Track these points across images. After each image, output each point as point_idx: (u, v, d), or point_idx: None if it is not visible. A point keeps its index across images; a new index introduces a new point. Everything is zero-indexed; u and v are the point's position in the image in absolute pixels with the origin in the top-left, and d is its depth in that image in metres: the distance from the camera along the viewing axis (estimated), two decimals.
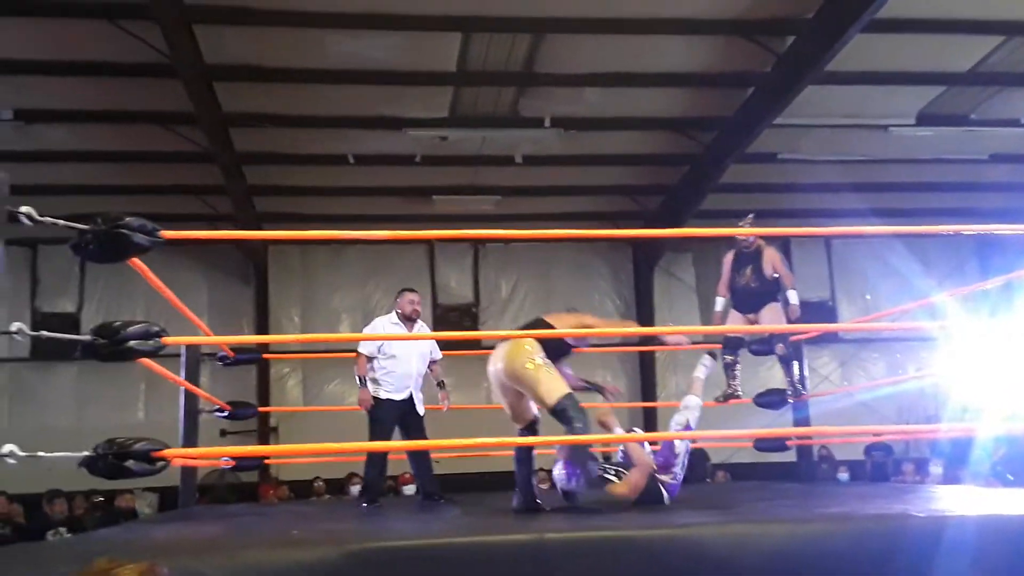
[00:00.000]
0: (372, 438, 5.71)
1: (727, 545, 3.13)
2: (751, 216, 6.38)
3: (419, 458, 5.84)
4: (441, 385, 6.07)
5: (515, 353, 4.42)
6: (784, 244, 13.24)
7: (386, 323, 6.03)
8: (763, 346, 6.60)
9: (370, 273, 12.67)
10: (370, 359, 5.83)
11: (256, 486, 10.97)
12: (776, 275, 6.27)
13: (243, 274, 12.51)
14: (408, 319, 5.97)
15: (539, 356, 4.40)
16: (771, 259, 6.27)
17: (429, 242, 12.65)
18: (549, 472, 5.03)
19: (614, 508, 4.26)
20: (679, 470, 4.68)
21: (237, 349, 6.68)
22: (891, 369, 12.74)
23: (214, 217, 10.87)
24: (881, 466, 10.49)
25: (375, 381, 5.82)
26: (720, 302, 6.60)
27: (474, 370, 12.53)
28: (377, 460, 5.80)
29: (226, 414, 6.19)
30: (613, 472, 4.57)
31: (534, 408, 4.66)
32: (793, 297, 6.24)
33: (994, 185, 11.63)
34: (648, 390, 12.55)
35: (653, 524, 3.63)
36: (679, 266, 13.18)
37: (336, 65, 8.25)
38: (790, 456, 7.40)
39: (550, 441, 4.80)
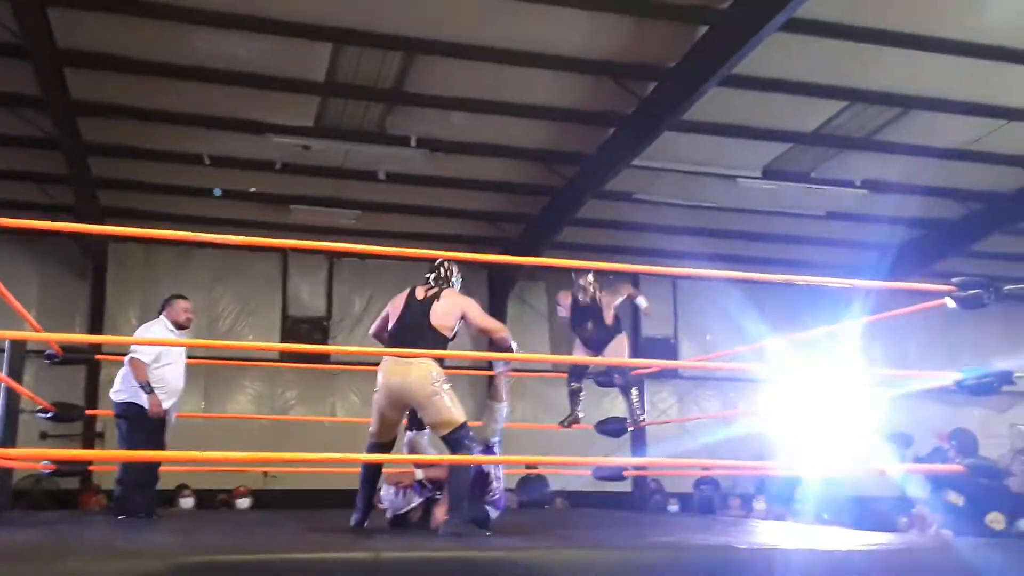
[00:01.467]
0: (135, 446, 5.52)
1: (562, 568, 3.20)
2: (590, 275, 6.60)
3: (154, 469, 5.71)
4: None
5: (423, 375, 4.45)
6: (633, 282, 13.69)
7: (162, 329, 5.88)
8: (606, 378, 6.85)
9: (217, 279, 12.27)
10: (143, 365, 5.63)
11: (76, 494, 10.37)
12: (617, 318, 6.53)
13: (79, 270, 11.86)
14: (182, 328, 5.89)
15: (445, 381, 4.50)
16: (610, 305, 6.53)
17: (282, 251, 12.39)
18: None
19: (447, 532, 4.28)
20: (496, 485, 4.77)
21: (67, 348, 6.34)
22: (725, 407, 13.36)
23: (53, 207, 10.30)
24: (708, 500, 10.93)
25: (143, 386, 5.62)
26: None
27: (322, 384, 12.38)
28: (147, 470, 5.63)
29: (49, 415, 5.85)
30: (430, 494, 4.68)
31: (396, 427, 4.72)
32: (642, 302, 6.63)
33: (828, 240, 12.43)
34: None
35: (490, 547, 3.67)
36: (532, 294, 13.40)
37: (200, 62, 7.98)
38: (626, 487, 7.61)
39: (405, 460, 4.82)
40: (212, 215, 11.02)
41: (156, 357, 5.64)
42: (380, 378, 4.56)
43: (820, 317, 6.76)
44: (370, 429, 4.69)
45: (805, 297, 14.54)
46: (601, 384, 7.03)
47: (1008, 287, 4.09)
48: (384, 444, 4.71)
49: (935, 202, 11.14)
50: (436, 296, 4.71)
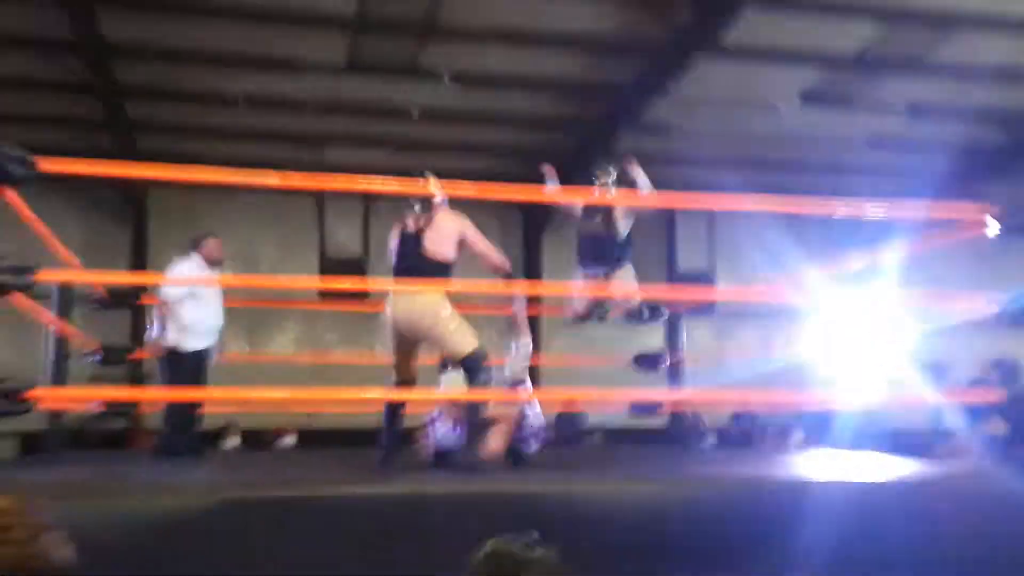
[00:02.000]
0: (176, 387, 5.59)
1: (600, 501, 3.24)
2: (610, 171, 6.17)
3: (196, 409, 5.75)
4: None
5: (426, 306, 4.41)
6: (669, 216, 13.56)
7: (193, 267, 5.91)
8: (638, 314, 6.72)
9: (256, 224, 12.35)
10: (175, 304, 5.65)
11: (125, 435, 10.64)
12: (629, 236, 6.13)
13: (121, 216, 11.99)
14: (214, 265, 5.91)
15: (451, 308, 4.42)
16: (623, 216, 6.09)
17: (319, 193, 12.42)
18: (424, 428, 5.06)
19: (487, 466, 4.34)
20: (532, 420, 4.77)
21: (112, 293, 6.44)
22: (763, 343, 13.25)
23: (92, 153, 10.37)
24: (746, 433, 10.95)
25: (182, 329, 5.68)
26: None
27: (361, 324, 12.49)
28: (189, 411, 5.68)
29: (97, 357, 5.99)
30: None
31: (414, 363, 4.69)
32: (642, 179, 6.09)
33: (870, 169, 12.17)
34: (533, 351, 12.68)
35: (528, 480, 3.72)
36: (569, 230, 13.27)
37: (230, 1, 7.94)
38: (663, 422, 7.63)
39: (430, 398, 4.84)
40: (248, 156, 11.05)
41: (189, 295, 5.70)
42: (388, 313, 4.53)
43: (861, 249, 6.65)
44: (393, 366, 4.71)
45: (846, 229, 14.31)
46: (640, 367, 6.84)
47: None
48: (406, 380, 4.70)
49: (979, 127, 10.84)
50: (428, 223, 4.56)
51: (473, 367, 4.37)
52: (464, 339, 4.39)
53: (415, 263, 4.50)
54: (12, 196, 3.54)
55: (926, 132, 10.54)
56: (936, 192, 11.57)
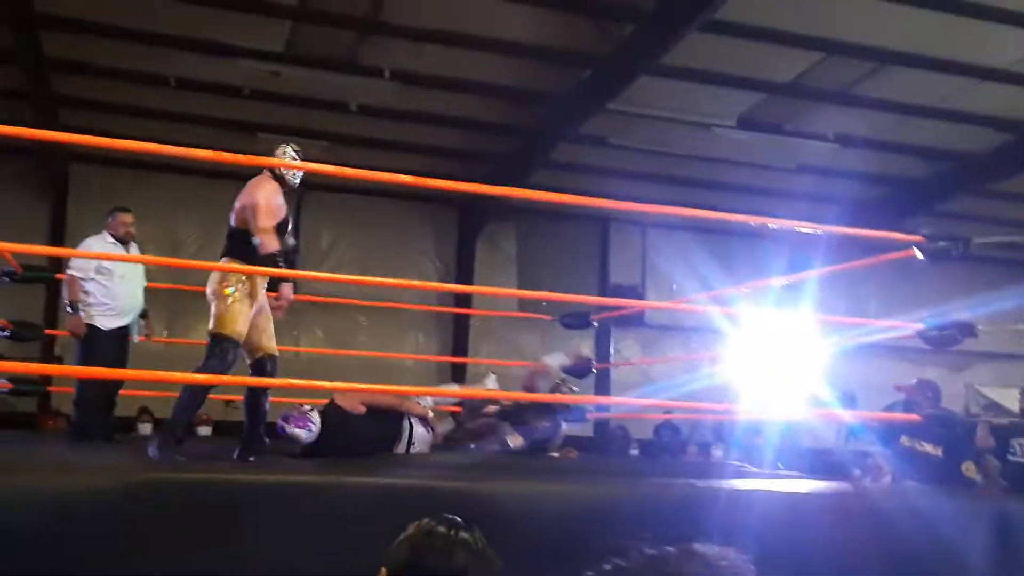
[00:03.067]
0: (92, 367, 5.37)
1: (523, 502, 3.21)
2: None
3: (111, 392, 5.57)
4: (144, 315, 5.89)
5: (212, 278, 4.25)
6: (604, 229, 13.69)
7: (101, 242, 5.76)
8: (572, 319, 6.83)
9: (179, 205, 12.04)
10: (84, 281, 5.52)
11: (33, 416, 10.26)
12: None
13: (40, 191, 11.61)
14: (123, 241, 5.75)
15: (232, 284, 4.19)
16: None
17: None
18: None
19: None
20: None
21: (26, 266, 6.21)
22: (688, 356, 13.44)
23: (13, 123, 9.99)
24: (668, 445, 11.08)
25: (92, 306, 5.52)
26: None
27: (288, 317, 12.25)
28: (103, 392, 5.51)
29: (6, 333, 5.75)
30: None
31: (266, 339, 4.40)
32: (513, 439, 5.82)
33: (796, 194, 12.44)
34: (460, 354, 12.64)
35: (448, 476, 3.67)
36: (502, 235, 13.34)
37: None
38: (589, 430, 7.66)
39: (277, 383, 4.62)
40: (175, 139, 10.75)
41: (97, 270, 5.53)
42: None
43: (784, 272, 6.79)
44: None
45: (770, 253, 14.66)
46: (567, 325, 7.01)
47: (977, 240, 4.11)
48: (253, 363, 4.47)
49: (905, 159, 11.20)
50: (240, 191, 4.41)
51: (212, 349, 4.14)
52: (226, 319, 4.15)
53: (227, 231, 4.39)
54: None
55: (854, 161, 10.83)
56: (858, 219, 11.94)
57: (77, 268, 5.56)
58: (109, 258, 5.56)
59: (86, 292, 5.51)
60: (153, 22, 8.43)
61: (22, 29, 8.15)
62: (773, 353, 6.60)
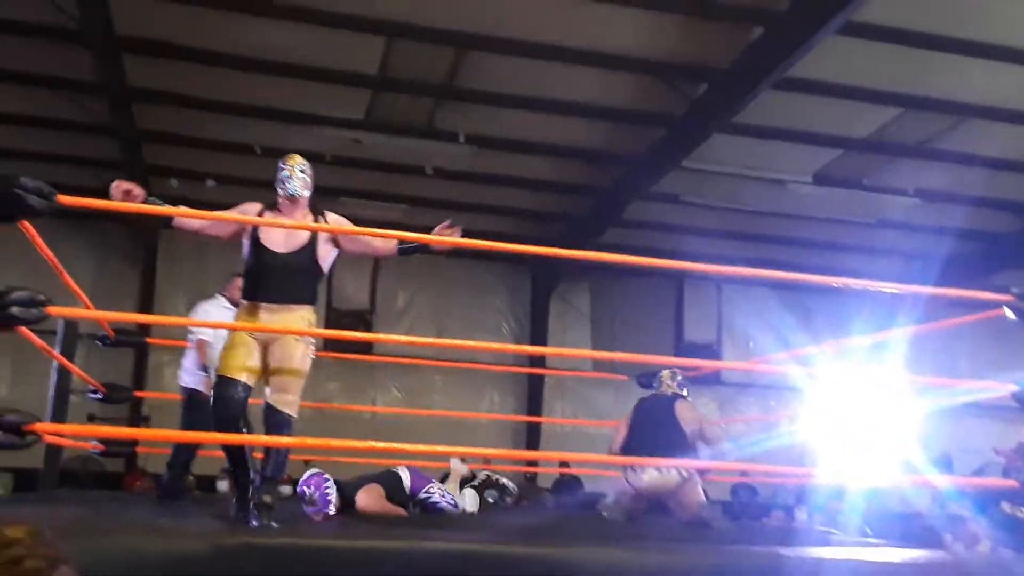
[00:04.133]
0: (193, 429, 5.44)
1: (600, 569, 3.17)
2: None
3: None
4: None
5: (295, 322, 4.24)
6: (678, 286, 13.60)
7: (218, 308, 5.83)
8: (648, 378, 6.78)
9: None
10: (213, 345, 5.57)
11: (121, 476, 10.54)
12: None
13: (131, 255, 12.07)
14: (237, 305, 5.84)
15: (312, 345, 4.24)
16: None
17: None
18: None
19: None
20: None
21: (118, 331, 6.42)
22: (765, 414, 13.17)
23: (105, 193, 10.45)
24: (746, 506, 10.77)
25: (207, 370, 5.57)
26: None
27: (363, 376, 12.44)
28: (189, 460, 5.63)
29: (99, 396, 5.94)
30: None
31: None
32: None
33: (877, 249, 12.21)
34: (534, 412, 12.60)
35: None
36: (575, 294, 13.36)
37: (255, 53, 8.07)
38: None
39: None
40: None
41: (215, 337, 5.66)
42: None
43: (866, 329, 6.62)
44: None
45: (851, 308, 14.34)
46: (643, 385, 6.95)
47: None
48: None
49: (989, 214, 10.91)
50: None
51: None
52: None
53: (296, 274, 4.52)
54: (28, 228, 3.55)
55: (936, 215, 10.61)
56: (942, 274, 11.64)
57: (205, 333, 5.69)
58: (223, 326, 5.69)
59: (211, 357, 5.62)
60: (239, 94, 8.80)
61: (117, 102, 8.57)
62: (857, 413, 6.43)
